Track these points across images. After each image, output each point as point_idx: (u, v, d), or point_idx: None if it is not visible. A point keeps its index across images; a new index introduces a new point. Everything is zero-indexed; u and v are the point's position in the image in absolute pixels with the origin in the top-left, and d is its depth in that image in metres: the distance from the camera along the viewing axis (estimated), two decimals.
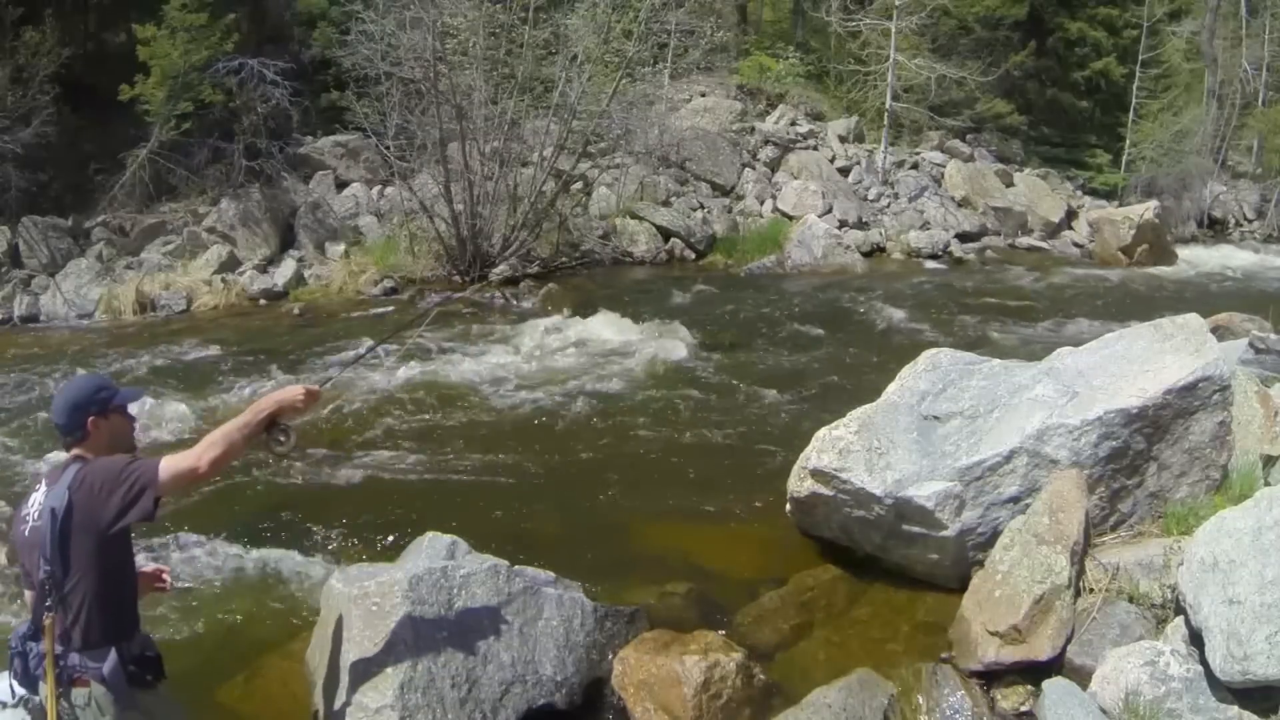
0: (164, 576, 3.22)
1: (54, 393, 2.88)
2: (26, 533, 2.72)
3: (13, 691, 2.78)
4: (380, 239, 14.30)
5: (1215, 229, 23.23)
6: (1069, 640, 3.94)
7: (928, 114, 20.76)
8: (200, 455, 2.67)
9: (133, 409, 2.95)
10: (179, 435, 7.32)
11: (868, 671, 3.87)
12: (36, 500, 2.73)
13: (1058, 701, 3.57)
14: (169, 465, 2.67)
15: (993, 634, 4.02)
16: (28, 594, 2.81)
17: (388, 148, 13.84)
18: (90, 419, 2.77)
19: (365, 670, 3.59)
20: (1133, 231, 17.70)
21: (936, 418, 4.99)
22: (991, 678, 3.99)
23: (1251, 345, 6.59)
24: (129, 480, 2.65)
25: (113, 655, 2.70)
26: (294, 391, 2.91)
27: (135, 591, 2.92)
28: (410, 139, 14.03)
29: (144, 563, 3.25)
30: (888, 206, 18.90)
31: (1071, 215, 20.81)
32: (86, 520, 2.64)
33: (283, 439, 2.84)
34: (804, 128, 20.43)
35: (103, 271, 12.64)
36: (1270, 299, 10.07)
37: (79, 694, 2.69)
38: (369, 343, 8.79)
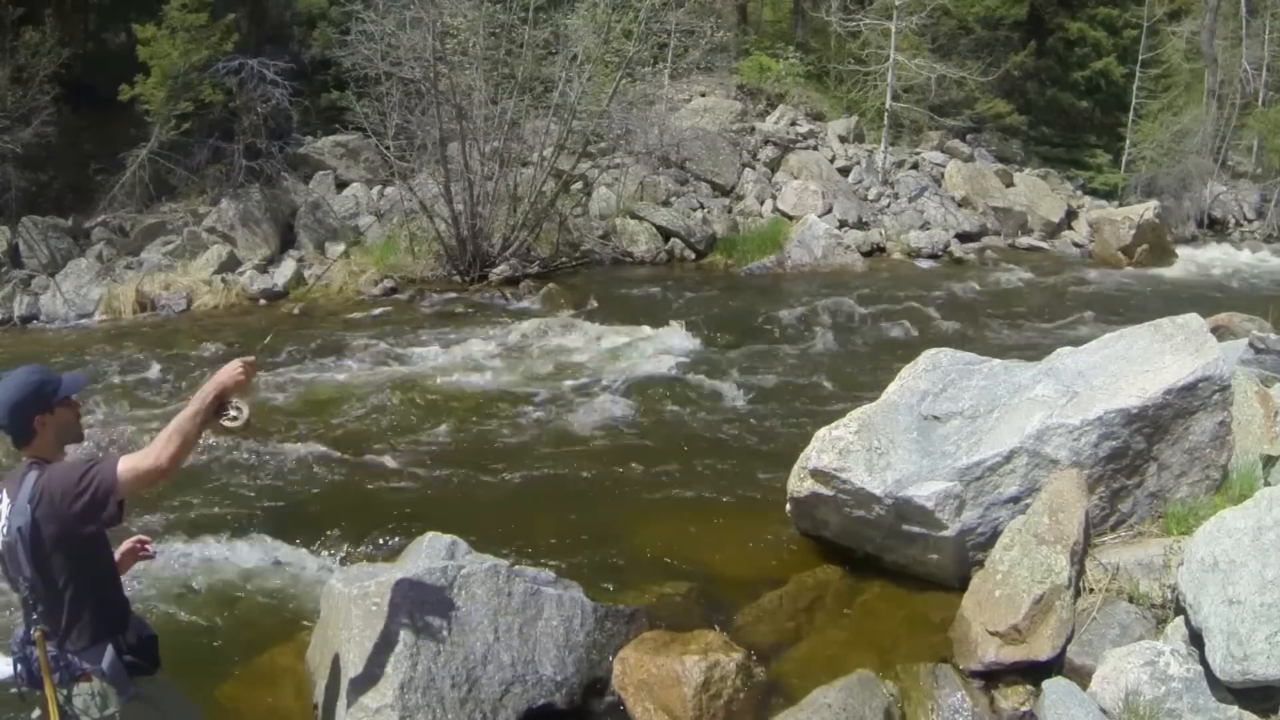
0: (146, 547, 3.20)
1: None
2: (1, 546, 2.68)
3: (17, 679, 2.79)
4: (380, 239, 14.30)
5: (1215, 229, 23.21)
6: (1069, 640, 3.94)
7: (928, 114, 20.75)
8: (159, 454, 2.59)
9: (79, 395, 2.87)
10: None
11: (868, 672, 3.87)
12: (2, 513, 2.66)
13: (1058, 701, 3.57)
14: (129, 466, 2.59)
15: (993, 634, 4.02)
16: (16, 596, 2.81)
17: (388, 148, 13.85)
18: (35, 419, 2.68)
19: (365, 670, 3.59)
20: (1133, 231, 17.69)
21: (936, 418, 4.99)
22: (991, 678, 3.99)
23: (1251, 345, 6.57)
24: (90, 488, 2.57)
25: (109, 651, 2.71)
26: (232, 368, 2.81)
27: (119, 583, 2.91)
28: (410, 139, 14.03)
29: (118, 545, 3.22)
30: (888, 206, 18.89)
31: (1071, 215, 20.81)
32: (54, 533, 2.60)
33: (234, 414, 2.82)
34: (804, 128, 20.42)
35: (103, 271, 12.64)
36: (1270, 299, 10.07)
37: (83, 688, 2.71)
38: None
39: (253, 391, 3.59)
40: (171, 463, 2.60)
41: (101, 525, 2.65)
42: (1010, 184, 20.78)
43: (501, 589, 3.99)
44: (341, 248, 14.01)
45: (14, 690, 2.82)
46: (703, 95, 20.41)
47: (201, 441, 2.96)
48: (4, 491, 2.71)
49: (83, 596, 2.70)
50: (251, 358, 2.88)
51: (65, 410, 2.77)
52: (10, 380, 2.73)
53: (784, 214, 17.50)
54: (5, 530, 2.64)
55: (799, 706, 3.74)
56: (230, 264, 13.13)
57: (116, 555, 3.02)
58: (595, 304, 12.33)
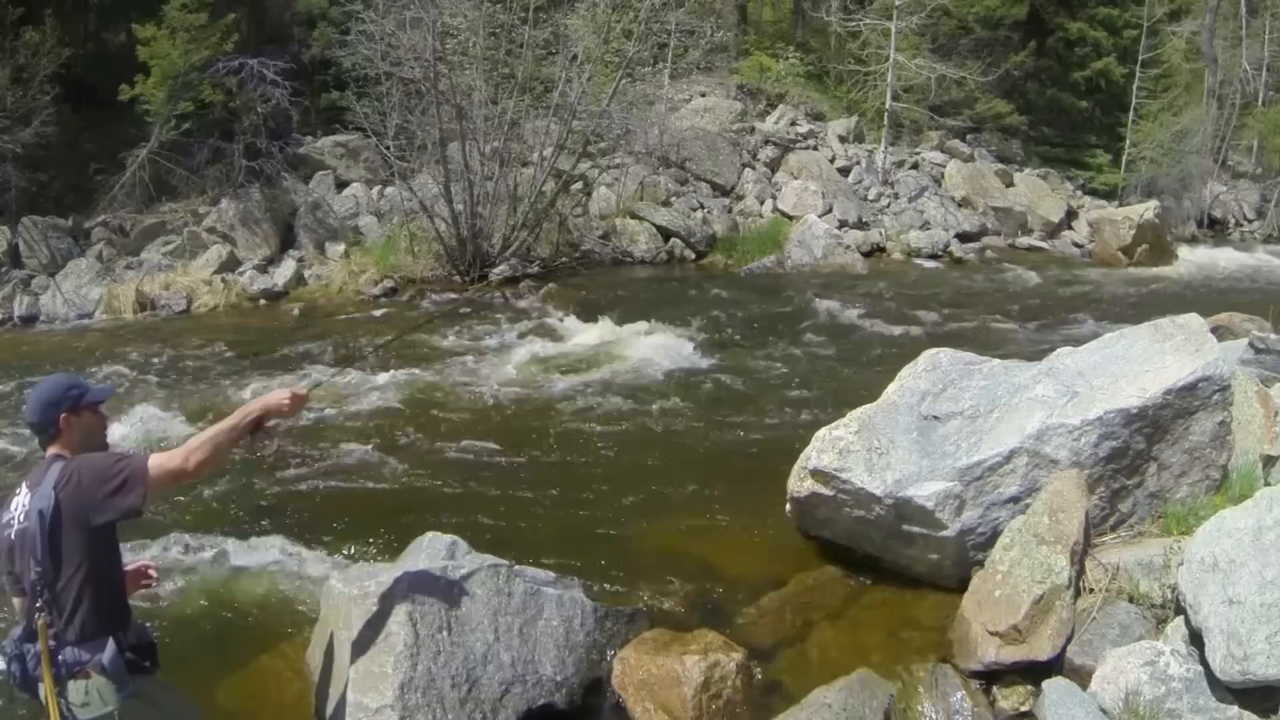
0: (150, 572, 3.27)
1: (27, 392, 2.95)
2: (11, 536, 2.73)
3: (11, 679, 2.81)
4: (380, 239, 14.30)
5: (1215, 229, 23.23)
6: (1069, 640, 3.94)
7: (928, 114, 20.77)
8: (188, 456, 2.75)
9: (104, 407, 2.99)
10: (176, 435, 7.31)
11: (868, 671, 3.86)
12: (20, 503, 2.74)
13: (1058, 701, 3.57)
14: (158, 463, 2.73)
15: (993, 634, 4.01)
16: (15, 600, 2.83)
17: (388, 148, 13.84)
18: (61, 416, 2.81)
19: (365, 670, 3.59)
20: (1133, 231, 17.70)
21: (936, 418, 4.99)
22: (991, 678, 3.99)
23: (1251, 345, 6.57)
24: (118, 476, 2.69)
25: (111, 645, 2.73)
26: (280, 396, 2.99)
27: (124, 586, 2.96)
28: (410, 139, 14.03)
29: (128, 561, 3.25)
30: (888, 206, 18.90)
31: (1071, 215, 20.81)
32: (76, 516, 2.68)
33: (266, 441, 2.94)
34: (804, 128, 20.43)
35: (103, 271, 12.64)
36: (1270, 299, 10.04)
37: (78, 686, 2.71)
38: (364, 344, 8.81)
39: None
40: (197, 469, 2.77)
41: (123, 514, 2.73)
42: (1010, 184, 20.79)
43: (501, 589, 3.99)
44: (341, 248, 14.01)
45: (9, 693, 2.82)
46: (703, 95, 20.42)
47: None
48: (24, 484, 2.80)
49: (89, 587, 2.73)
50: (303, 391, 3.06)
51: (91, 416, 2.90)
52: (43, 382, 2.93)
53: (784, 214, 17.51)
54: (23, 517, 2.71)
55: (799, 706, 3.73)
56: (230, 264, 13.13)
57: (127, 569, 3.05)
58: (595, 304, 12.32)
